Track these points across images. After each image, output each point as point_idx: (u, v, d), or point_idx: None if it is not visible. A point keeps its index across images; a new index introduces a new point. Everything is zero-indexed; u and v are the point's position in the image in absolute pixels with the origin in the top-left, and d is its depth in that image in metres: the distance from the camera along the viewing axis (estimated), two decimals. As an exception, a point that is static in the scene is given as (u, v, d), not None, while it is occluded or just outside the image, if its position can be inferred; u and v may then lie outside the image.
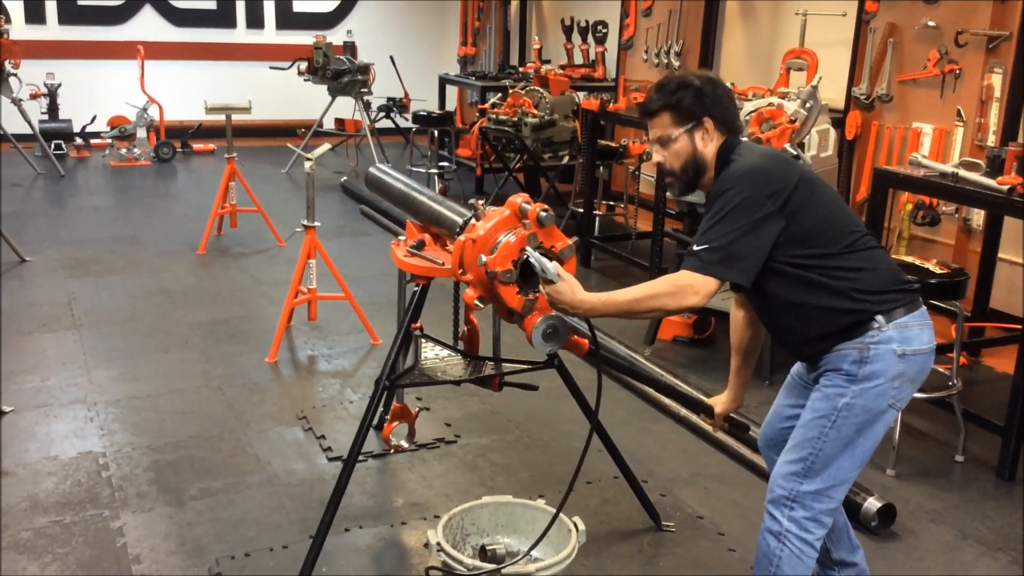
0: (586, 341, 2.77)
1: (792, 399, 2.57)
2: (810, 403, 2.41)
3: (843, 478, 2.38)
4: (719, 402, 2.80)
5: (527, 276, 2.54)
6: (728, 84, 2.50)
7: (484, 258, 2.53)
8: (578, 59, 8.87)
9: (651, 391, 4.18)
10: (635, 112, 6.23)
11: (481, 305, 2.60)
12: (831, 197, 2.39)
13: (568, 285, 2.40)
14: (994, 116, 4.90)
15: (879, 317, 2.29)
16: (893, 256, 4.24)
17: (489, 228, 2.57)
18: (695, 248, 2.28)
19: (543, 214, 2.53)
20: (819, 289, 2.31)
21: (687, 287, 2.27)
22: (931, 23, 5.15)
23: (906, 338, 2.31)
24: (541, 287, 2.46)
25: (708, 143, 2.40)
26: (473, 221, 2.67)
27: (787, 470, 2.40)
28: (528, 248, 2.50)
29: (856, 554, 2.70)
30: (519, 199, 2.59)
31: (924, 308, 2.39)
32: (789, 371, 2.62)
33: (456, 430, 3.89)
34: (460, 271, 2.64)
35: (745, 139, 2.49)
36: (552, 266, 2.40)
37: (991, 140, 4.86)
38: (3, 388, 4.09)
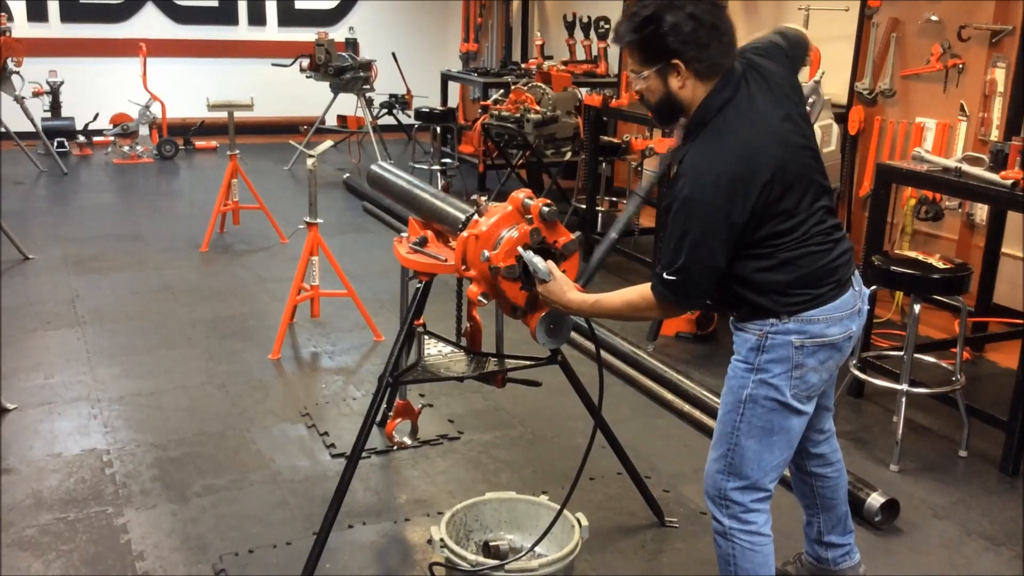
0: None
1: None
2: (722, 395, 2.40)
3: (768, 468, 2.36)
4: None
5: (528, 273, 2.53)
6: (724, 13, 2.20)
7: (487, 253, 2.53)
8: (580, 55, 8.86)
9: (656, 387, 4.18)
10: (638, 107, 6.23)
11: (485, 301, 2.60)
12: (802, 191, 2.21)
13: (559, 285, 2.41)
14: (997, 111, 4.89)
15: (783, 315, 2.26)
16: (896, 251, 4.24)
17: (492, 224, 2.57)
18: (663, 275, 2.22)
19: (546, 209, 2.53)
20: (742, 278, 2.25)
21: (663, 303, 2.27)
22: (934, 18, 5.13)
23: (806, 331, 2.26)
24: (538, 285, 2.47)
25: (683, 86, 2.18)
26: (476, 217, 2.67)
27: (713, 468, 2.40)
28: (520, 248, 2.50)
29: (847, 537, 2.73)
30: (522, 195, 2.59)
31: (845, 296, 2.30)
32: None
33: (459, 426, 3.89)
34: (463, 267, 2.64)
35: (734, 98, 2.20)
36: (544, 265, 2.43)
37: (994, 135, 4.85)
38: (7, 386, 4.10)
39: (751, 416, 2.31)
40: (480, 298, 2.59)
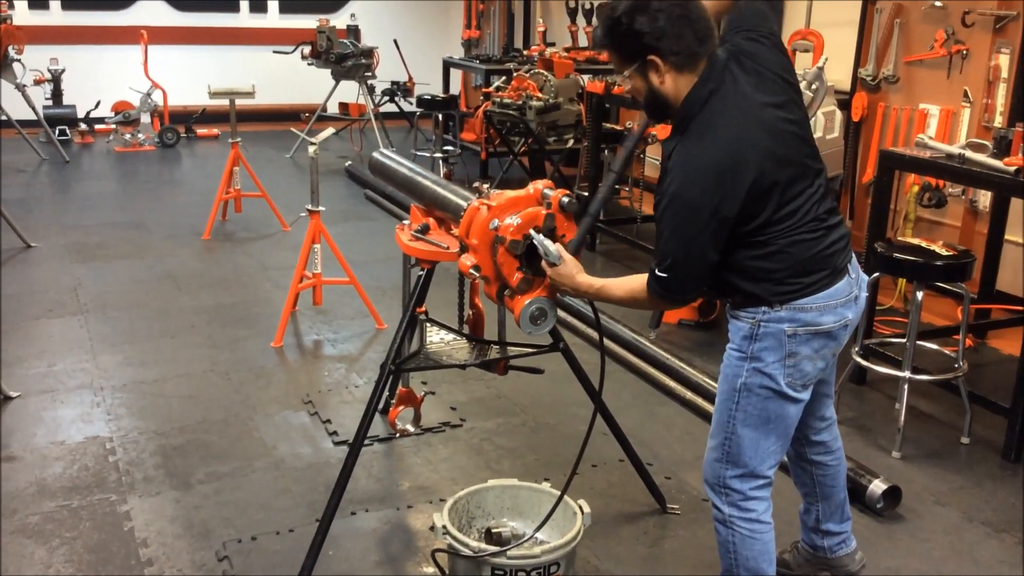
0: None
1: None
2: (718, 383, 2.41)
3: (765, 456, 2.36)
4: None
5: (531, 257, 2.53)
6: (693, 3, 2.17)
7: (497, 222, 2.52)
8: (583, 41, 8.84)
9: (658, 374, 4.18)
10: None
11: (476, 274, 2.57)
12: (792, 178, 2.19)
13: (568, 268, 2.43)
14: (1001, 97, 4.87)
15: (774, 304, 2.25)
16: (899, 238, 4.23)
17: (507, 200, 2.56)
18: (657, 272, 2.23)
19: (566, 200, 2.52)
20: (734, 267, 2.25)
21: (655, 299, 2.31)
22: (938, 3, 5.11)
23: (798, 319, 2.25)
24: (544, 268, 2.47)
25: (664, 81, 2.18)
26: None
27: (711, 456, 2.41)
28: (532, 230, 2.50)
29: (844, 525, 2.73)
30: (541, 184, 2.59)
31: (840, 284, 2.28)
32: None
33: (462, 414, 3.90)
34: (465, 234, 2.60)
35: (720, 89, 2.18)
36: (555, 248, 2.45)
37: (998, 121, 4.83)
38: (10, 373, 4.11)
39: (746, 404, 2.31)
40: (471, 270, 2.56)
